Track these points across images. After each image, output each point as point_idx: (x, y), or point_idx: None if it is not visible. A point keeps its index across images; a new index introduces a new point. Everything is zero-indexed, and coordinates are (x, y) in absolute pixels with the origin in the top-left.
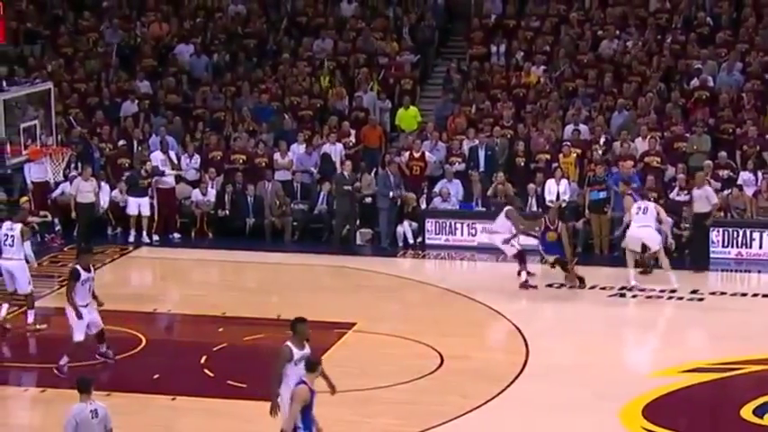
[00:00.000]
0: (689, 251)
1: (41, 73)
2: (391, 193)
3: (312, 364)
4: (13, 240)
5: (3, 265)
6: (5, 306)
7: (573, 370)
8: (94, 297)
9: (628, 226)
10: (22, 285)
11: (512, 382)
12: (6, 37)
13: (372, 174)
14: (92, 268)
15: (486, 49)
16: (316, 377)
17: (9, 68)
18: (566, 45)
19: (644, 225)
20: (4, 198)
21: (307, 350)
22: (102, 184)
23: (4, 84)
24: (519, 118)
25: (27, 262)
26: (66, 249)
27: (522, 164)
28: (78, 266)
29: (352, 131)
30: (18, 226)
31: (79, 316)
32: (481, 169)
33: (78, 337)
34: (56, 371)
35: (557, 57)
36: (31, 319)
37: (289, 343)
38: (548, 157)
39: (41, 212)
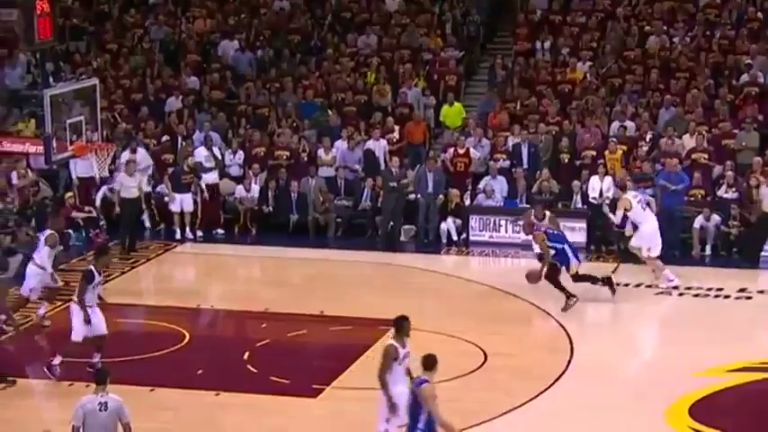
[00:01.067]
0: (738, 249)
1: (87, 69)
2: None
3: (431, 362)
4: (39, 244)
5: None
6: (45, 305)
7: (618, 368)
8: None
9: (636, 226)
10: (24, 287)
11: (556, 381)
12: (53, 33)
13: (416, 170)
14: (102, 271)
15: (531, 45)
16: (434, 374)
17: (55, 65)
18: (612, 41)
19: (655, 223)
20: (50, 194)
21: (408, 348)
22: (144, 152)
23: (51, 80)
24: (564, 114)
25: (44, 268)
26: (110, 245)
27: (567, 160)
28: (93, 268)
29: (396, 128)
30: (47, 231)
31: (87, 321)
32: (525, 166)
33: (77, 337)
34: (46, 369)
35: (603, 53)
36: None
37: (393, 341)
38: (593, 153)
39: (86, 208)
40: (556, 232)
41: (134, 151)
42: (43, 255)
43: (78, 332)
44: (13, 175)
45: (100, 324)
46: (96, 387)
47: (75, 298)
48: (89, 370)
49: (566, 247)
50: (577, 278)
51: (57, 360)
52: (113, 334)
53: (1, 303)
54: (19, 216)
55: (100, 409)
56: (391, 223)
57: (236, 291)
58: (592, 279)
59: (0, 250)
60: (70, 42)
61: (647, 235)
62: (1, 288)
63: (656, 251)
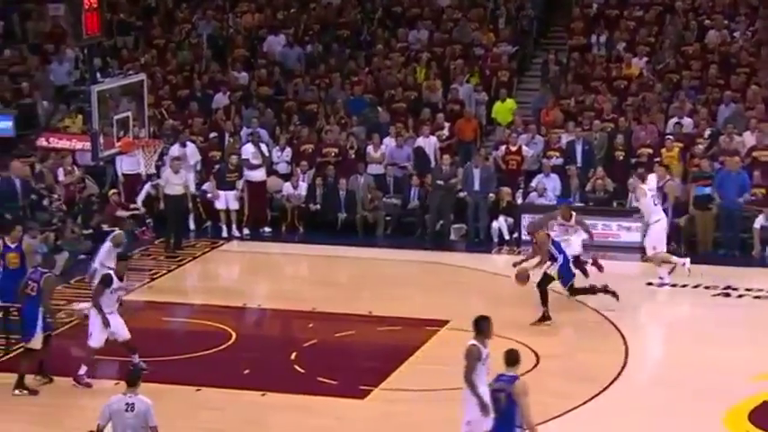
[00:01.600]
0: None
1: (134, 64)
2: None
3: (516, 358)
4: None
5: None
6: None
7: (675, 371)
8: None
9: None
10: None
11: (611, 383)
12: (100, 29)
13: (465, 168)
14: (125, 278)
15: (586, 40)
16: (518, 370)
17: (102, 60)
18: (670, 35)
19: (665, 221)
20: (96, 191)
21: (488, 348)
22: (193, 146)
23: (98, 75)
24: (620, 111)
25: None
26: (157, 243)
27: (622, 158)
28: (112, 273)
29: (446, 124)
30: (115, 231)
31: (106, 324)
32: (578, 164)
33: (95, 343)
34: (74, 382)
35: (660, 47)
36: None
37: (475, 342)
38: (649, 151)
39: (132, 205)
40: (558, 241)
41: (184, 145)
42: (103, 252)
43: (96, 338)
44: (60, 171)
45: (121, 329)
46: (127, 387)
47: (91, 302)
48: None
49: (560, 258)
50: (539, 286)
51: (82, 370)
52: (159, 332)
53: (46, 301)
54: (64, 213)
55: (126, 410)
56: (442, 222)
57: (283, 290)
58: (544, 300)
59: (46, 248)
60: (117, 38)
61: (656, 233)
62: (48, 286)
63: (663, 247)
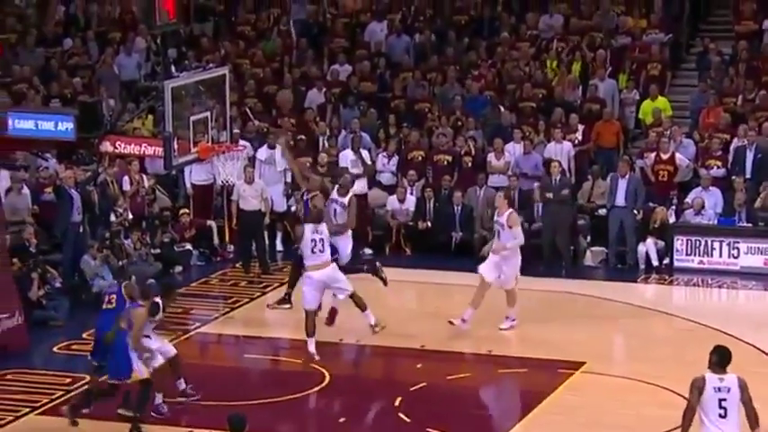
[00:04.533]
0: None
1: (215, 56)
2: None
3: None
4: (323, 244)
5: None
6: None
7: None
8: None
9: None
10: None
11: None
12: (177, 14)
13: (608, 179)
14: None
15: (757, 26)
16: None
17: (178, 51)
18: None
19: None
20: (168, 204)
21: None
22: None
23: (173, 69)
24: None
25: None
26: (237, 266)
27: None
28: (161, 303)
29: (580, 127)
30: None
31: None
32: (747, 175)
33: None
34: (153, 413)
35: None
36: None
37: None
38: None
39: (208, 223)
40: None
41: (272, 147)
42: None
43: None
44: (125, 180)
45: (166, 346)
46: None
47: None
48: (181, 399)
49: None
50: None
51: (159, 399)
52: (239, 372)
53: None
54: (125, 229)
55: None
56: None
57: (387, 323)
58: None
59: (110, 270)
60: (195, 24)
61: (516, 265)
62: (138, 322)
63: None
